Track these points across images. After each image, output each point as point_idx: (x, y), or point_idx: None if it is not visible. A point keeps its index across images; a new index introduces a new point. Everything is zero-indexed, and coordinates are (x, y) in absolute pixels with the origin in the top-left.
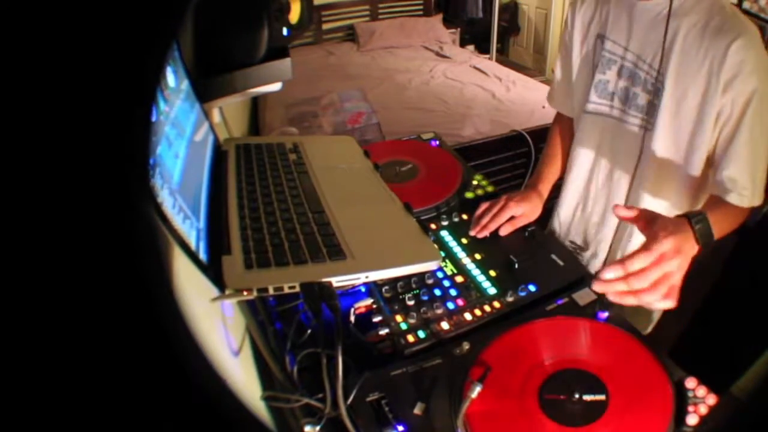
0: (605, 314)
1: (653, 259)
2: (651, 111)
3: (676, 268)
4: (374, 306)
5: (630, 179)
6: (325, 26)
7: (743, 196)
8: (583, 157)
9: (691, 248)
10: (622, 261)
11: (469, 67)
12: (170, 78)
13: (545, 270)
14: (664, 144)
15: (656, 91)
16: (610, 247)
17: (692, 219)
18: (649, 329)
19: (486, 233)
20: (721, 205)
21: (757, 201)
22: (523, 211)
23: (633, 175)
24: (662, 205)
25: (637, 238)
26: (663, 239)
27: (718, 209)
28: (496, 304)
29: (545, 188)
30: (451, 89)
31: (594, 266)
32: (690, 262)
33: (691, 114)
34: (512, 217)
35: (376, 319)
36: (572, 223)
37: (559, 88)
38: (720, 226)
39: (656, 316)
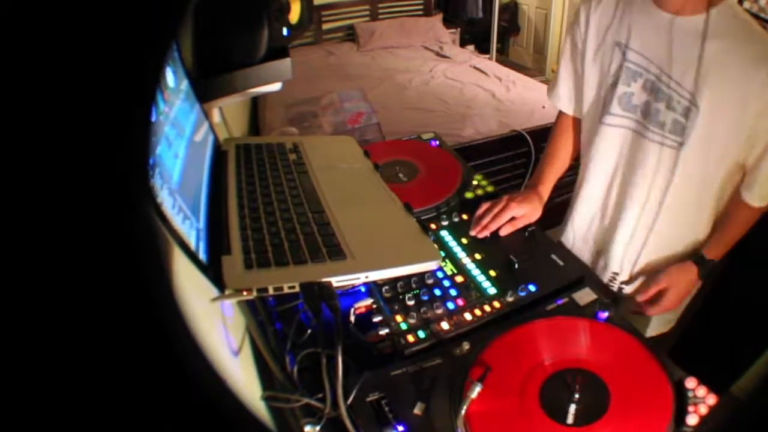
0: (605, 314)
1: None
2: (676, 128)
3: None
4: (374, 306)
5: (648, 192)
6: (325, 26)
7: (763, 198)
8: (601, 168)
9: (691, 284)
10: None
11: (469, 67)
12: (170, 78)
13: (545, 270)
14: (692, 162)
15: (685, 110)
16: (623, 257)
17: (699, 266)
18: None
19: (486, 233)
20: (740, 211)
21: None
22: (524, 212)
23: (651, 188)
24: (679, 217)
25: (648, 251)
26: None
27: (736, 217)
28: (496, 304)
29: (546, 189)
30: (451, 89)
31: (606, 275)
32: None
33: (723, 135)
34: (513, 218)
35: (376, 319)
36: (587, 233)
37: (565, 86)
38: (736, 234)
39: (653, 322)
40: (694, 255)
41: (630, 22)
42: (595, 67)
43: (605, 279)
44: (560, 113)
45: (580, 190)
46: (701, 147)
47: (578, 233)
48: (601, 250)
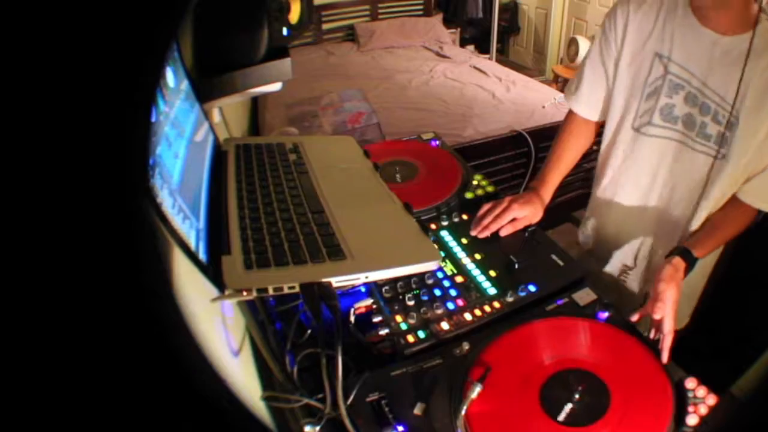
0: (605, 314)
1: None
2: (721, 141)
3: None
4: (374, 306)
5: (691, 201)
6: (325, 26)
7: (760, 200)
8: (640, 178)
9: (681, 278)
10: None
11: (469, 67)
12: (170, 78)
13: (545, 270)
14: (733, 173)
15: (729, 125)
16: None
17: (688, 261)
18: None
19: (487, 234)
20: (742, 214)
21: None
22: (526, 213)
23: (697, 197)
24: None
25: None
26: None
27: (735, 219)
28: (496, 304)
29: (548, 192)
30: (451, 89)
31: (636, 281)
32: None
33: (757, 145)
34: (514, 219)
35: (376, 319)
36: (621, 241)
37: (589, 90)
38: (729, 236)
39: None
40: (679, 250)
41: (672, 34)
42: (628, 74)
43: (634, 288)
44: (571, 115)
45: (614, 195)
46: (742, 156)
47: (611, 241)
48: (636, 256)
